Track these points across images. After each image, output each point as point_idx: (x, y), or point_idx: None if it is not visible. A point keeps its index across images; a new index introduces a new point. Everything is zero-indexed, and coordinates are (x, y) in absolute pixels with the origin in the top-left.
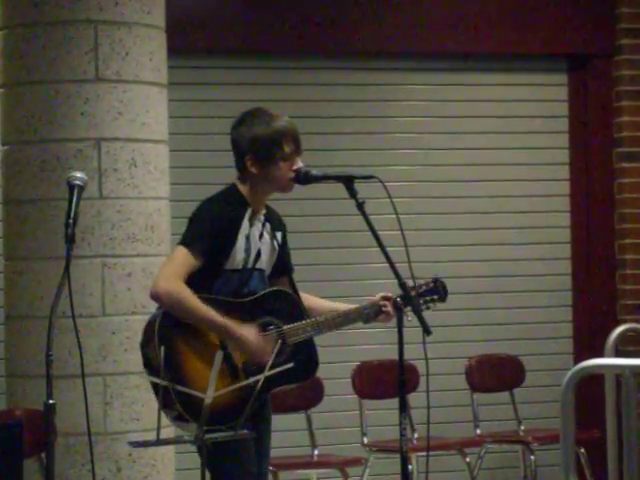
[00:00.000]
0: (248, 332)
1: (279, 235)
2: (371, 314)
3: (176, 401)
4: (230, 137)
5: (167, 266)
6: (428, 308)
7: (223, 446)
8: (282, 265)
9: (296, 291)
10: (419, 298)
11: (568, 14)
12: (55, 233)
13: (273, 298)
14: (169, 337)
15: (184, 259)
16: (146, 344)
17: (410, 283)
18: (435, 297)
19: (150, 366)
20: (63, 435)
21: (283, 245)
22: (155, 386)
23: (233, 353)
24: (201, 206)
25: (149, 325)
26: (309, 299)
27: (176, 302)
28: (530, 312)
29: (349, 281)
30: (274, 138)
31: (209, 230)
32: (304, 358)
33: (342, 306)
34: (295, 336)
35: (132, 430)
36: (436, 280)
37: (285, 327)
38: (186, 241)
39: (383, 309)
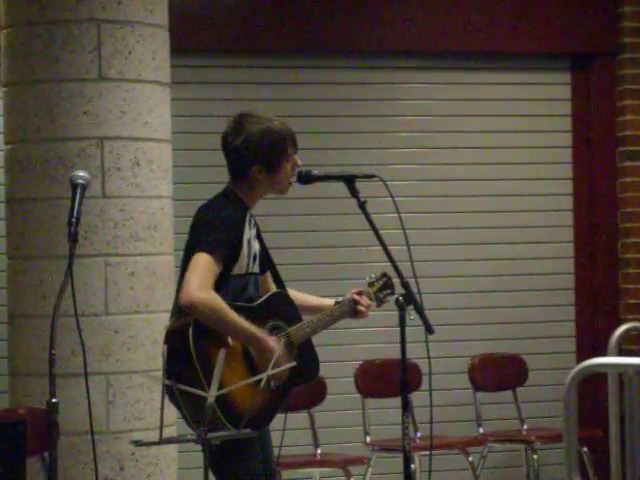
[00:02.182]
0: (274, 342)
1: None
2: (350, 312)
3: (219, 412)
4: (227, 146)
5: (195, 274)
6: (384, 302)
7: (228, 449)
8: (266, 263)
9: (282, 284)
10: (377, 294)
11: (571, 13)
12: (58, 232)
13: (274, 301)
14: (206, 348)
15: (210, 266)
16: (176, 361)
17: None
18: (389, 291)
19: (187, 380)
20: (66, 434)
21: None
22: (194, 401)
23: (258, 360)
24: (209, 212)
25: (177, 336)
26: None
27: (212, 310)
28: (533, 311)
29: (351, 280)
30: (280, 144)
31: (226, 236)
32: (309, 358)
33: (314, 299)
34: (299, 337)
35: (135, 429)
36: (385, 275)
37: (289, 329)
38: (208, 248)
39: (358, 308)
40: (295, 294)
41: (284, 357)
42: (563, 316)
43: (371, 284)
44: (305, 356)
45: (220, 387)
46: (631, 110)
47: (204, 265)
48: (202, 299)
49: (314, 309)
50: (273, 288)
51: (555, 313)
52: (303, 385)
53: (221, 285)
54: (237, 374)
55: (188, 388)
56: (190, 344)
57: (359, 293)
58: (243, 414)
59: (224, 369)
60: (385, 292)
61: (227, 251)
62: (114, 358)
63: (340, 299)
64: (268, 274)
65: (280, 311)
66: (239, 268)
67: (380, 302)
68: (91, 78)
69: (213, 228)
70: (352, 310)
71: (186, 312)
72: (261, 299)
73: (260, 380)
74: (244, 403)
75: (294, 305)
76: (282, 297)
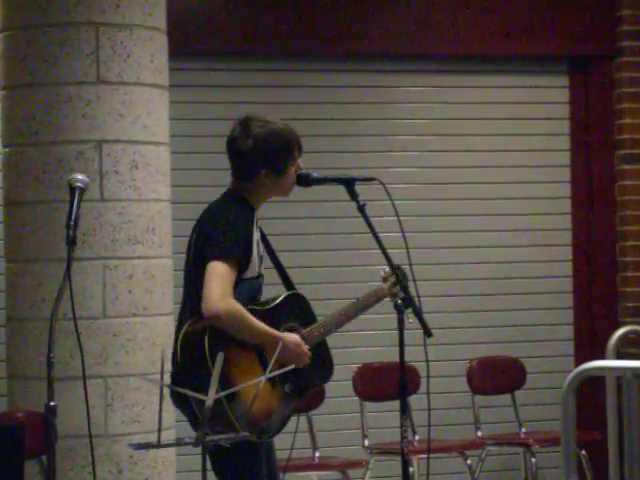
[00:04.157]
0: (293, 338)
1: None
2: (365, 308)
3: (230, 414)
4: (234, 150)
5: (215, 284)
6: (396, 296)
7: (233, 456)
8: (273, 261)
9: (290, 281)
10: (391, 290)
11: (569, 16)
12: (56, 235)
13: (290, 302)
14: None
15: (228, 274)
16: (189, 363)
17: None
18: (399, 285)
19: (197, 384)
20: (64, 437)
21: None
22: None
23: (271, 362)
24: (219, 217)
25: (192, 340)
26: None
27: (237, 320)
28: (531, 314)
29: (350, 283)
30: (288, 148)
31: (237, 241)
32: (324, 358)
33: None
34: (313, 338)
35: (133, 432)
36: (398, 268)
37: (304, 331)
38: (222, 255)
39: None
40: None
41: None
42: (561, 319)
43: (385, 279)
44: (320, 357)
45: (235, 395)
46: (629, 113)
47: (222, 273)
48: (226, 309)
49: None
50: None
51: (553, 316)
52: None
53: (234, 289)
54: (251, 377)
55: (185, 391)
56: (205, 348)
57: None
58: (255, 417)
59: (237, 372)
60: (399, 286)
61: (241, 256)
62: (112, 361)
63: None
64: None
65: (295, 313)
66: (251, 271)
67: (394, 297)
68: (89, 81)
69: (224, 234)
70: (370, 306)
71: (211, 321)
72: (276, 301)
73: (271, 381)
74: (258, 407)
75: (309, 305)
76: (297, 298)
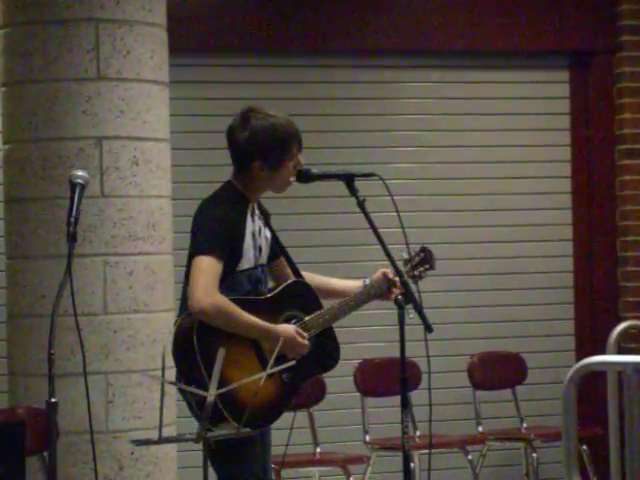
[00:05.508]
0: (287, 328)
1: (268, 222)
2: (377, 294)
3: (221, 406)
4: (232, 140)
5: (200, 279)
6: (421, 278)
7: (229, 448)
8: (277, 249)
9: (297, 269)
10: (413, 270)
11: (570, 11)
12: (57, 232)
13: (292, 290)
14: (209, 348)
15: (213, 268)
16: (182, 358)
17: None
18: (427, 267)
19: (190, 378)
20: (65, 433)
21: (272, 230)
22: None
23: (267, 354)
24: (206, 211)
25: (183, 335)
26: (308, 277)
27: (224, 314)
28: (532, 309)
29: (351, 279)
30: (284, 143)
31: (224, 234)
32: (328, 346)
33: (339, 282)
34: (316, 326)
35: (134, 428)
36: (424, 249)
37: (306, 318)
38: (207, 250)
39: (393, 290)
40: (315, 278)
41: (302, 341)
42: (562, 314)
43: (406, 262)
44: (324, 345)
45: (225, 384)
46: (629, 108)
47: (205, 268)
48: (213, 304)
49: (337, 293)
50: (288, 272)
51: (554, 311)
52: (318, 375)
53: (233, 283)
54: (245, 369)
55: (187, 387)
56: (194, 342)
57: (385, 274)
58: (252, 411)
59: (229, 366)
60: (423, 267)
61: (226, 249)
62: (113, 357)
63: (367, 281)
64: (281, 261)
65: (297, 300)
66: (247, 262)
67: (417, 279)
68: (89, 77)
69: (208, 229)
70: (381, 292)
71: (198, 317)
72: (277, 290)
73: (271, 375)
74: (251, 398)
75: (313, 293)
76: (300, 286)
